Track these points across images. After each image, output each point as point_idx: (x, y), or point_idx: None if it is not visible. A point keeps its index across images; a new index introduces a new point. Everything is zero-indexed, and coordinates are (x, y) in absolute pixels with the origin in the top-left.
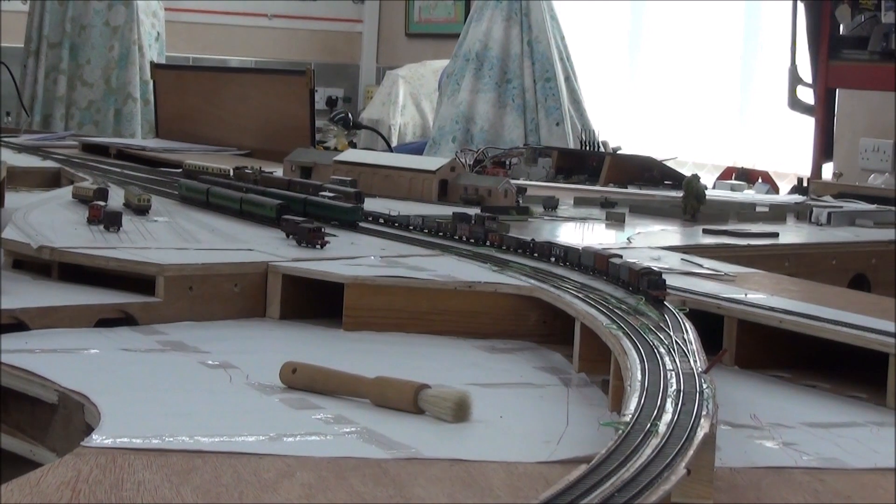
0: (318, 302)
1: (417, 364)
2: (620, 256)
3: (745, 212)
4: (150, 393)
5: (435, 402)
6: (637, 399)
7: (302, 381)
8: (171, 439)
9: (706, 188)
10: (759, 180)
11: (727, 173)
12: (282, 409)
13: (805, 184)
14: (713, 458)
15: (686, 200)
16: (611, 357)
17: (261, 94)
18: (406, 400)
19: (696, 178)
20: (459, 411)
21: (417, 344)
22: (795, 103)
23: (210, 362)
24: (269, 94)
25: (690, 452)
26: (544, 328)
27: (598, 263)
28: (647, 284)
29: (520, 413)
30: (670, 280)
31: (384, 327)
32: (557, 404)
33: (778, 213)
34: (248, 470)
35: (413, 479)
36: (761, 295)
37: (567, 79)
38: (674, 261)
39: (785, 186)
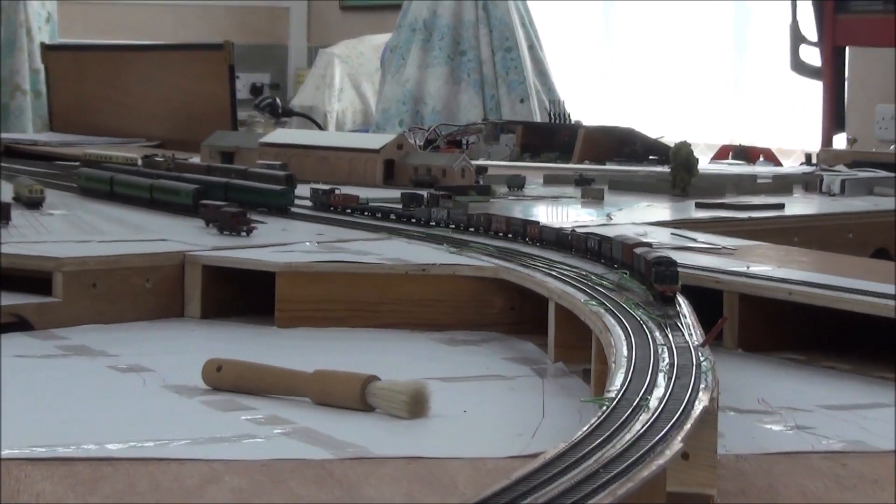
0: (245, 297)
1: (365, 361)
2: (650, 245)
3: (745, 184)
4: (49, 400)
5: (386, 396)
6: (623, 375)
7: (229, 381)
8: (75, 448)
9: (698, 161)
10: (761, 158)
11: (723, 152)
12: (205, 411)
13: (814, 160)
14: (715, 438)
15: (675, 172)
16: (592, 339)
17: (171, 74)
18: (352, 395)
19: (685, 144)
20: (415, 405)
21: (364, 339)
22: (799, 66)
23: (120, 366)
24: (181, 74)
25: (687, 426)
26: (512, 315)
27: (625, 256)
28: (655, 276)
29: (487, 406)
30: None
31: (325, 322)
32: (531, 396)
33: (783, 185)
34: (167, 477)
35: (363, 479)
36: (766, 267)
37: (531, 47)
38: (663, 236)
39: (791, 165)
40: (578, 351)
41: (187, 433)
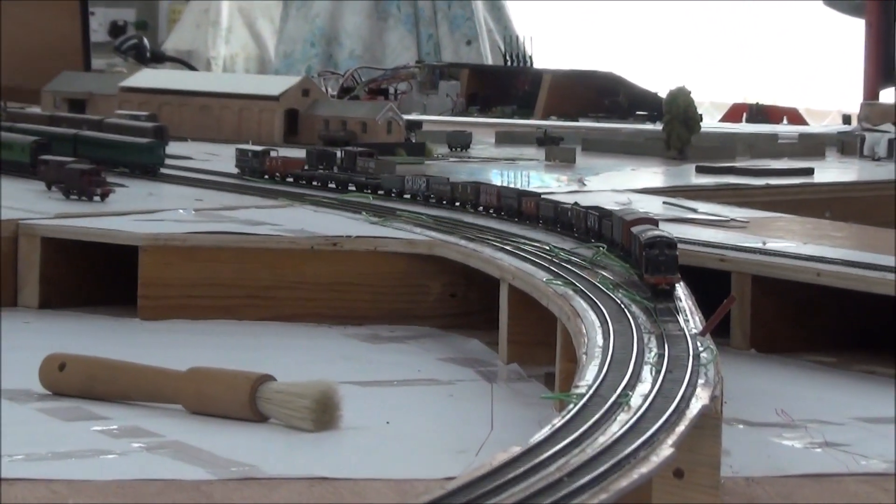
0: (100, 281)
1: (257, 359)
2: (654, 223)
3: (761, 144)
4: None
5: (284, 401)
6: (597, 368)
7: (75, 383)
8: None
9: (701, 115)
10: (784, 120)
11: (735, 113)
12: (43, 420)
13: (854, 122)
14: (718, 452)
15: (669, 127)
16: (557, 330)
17: (6, 13)
18: (238, 400)
19: (682, 92)
20: (322, 412)
21: (257, 334)
22: None
23: None
24: (18, 10)
25: (680, 428)
26: (453, 303)
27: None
28: (646, 264)
29: (417, 417)
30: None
31: (204, 312)
32: (476, 404)
33: (812, 146)
34: None
35: None
36: (788, 243)
37: None
38: (652, 206)
39: (823, 126)
40: (539, 348)
41: (21, 447)
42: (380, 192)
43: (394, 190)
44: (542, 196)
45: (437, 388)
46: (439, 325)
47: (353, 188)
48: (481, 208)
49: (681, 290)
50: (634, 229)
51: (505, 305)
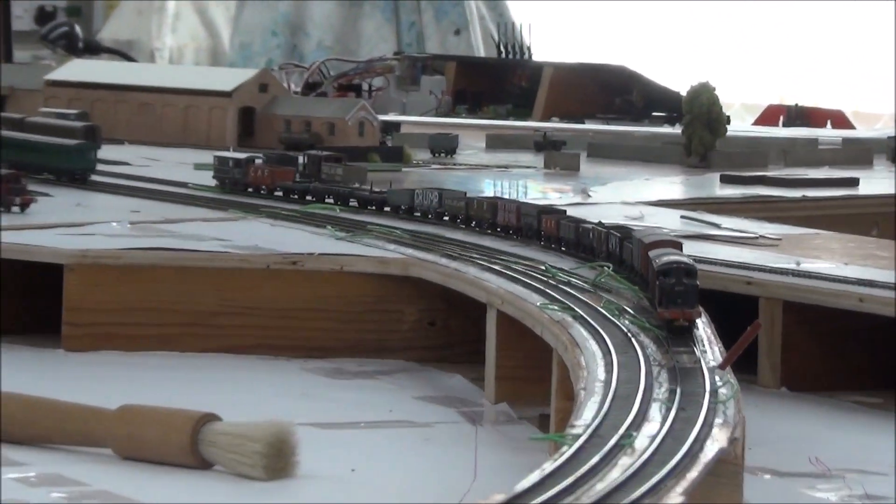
0: (18, 306)
1: (201, 398)
2: (678, 246)
3: (798, 150)
4: None
5: (231, 445)
6: (597, 405)
7: None
8: None
9: (728, 117)
10: (829, 124)
11: (770, 115)
12: None
13: None
14: (740, 501)
15: (690, 130)
16: (552, 363)
17: None
18: (177, 443)
19: (705, 88)
20: (275, 458)
21: (200, 368)
22: None
23: None
24: None
25: (693, 475)
26: (432, 333)
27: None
28: (660, 294)
29: (388, 464)
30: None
31: (139, 342)
32: (458, 450)
33: (857, 153)
34: None
35: None
36: (826, 264)
37: None
38: (669, 221)
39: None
40: (532, 385)
41: None
42: (386, 208)
43: (402, 207)
44: (564, 214)
45: (412, 432)
46: (415, 357)
47: (355, 203)
48: (499, 229)
49: (699, 319)
50: (652, 253)
51: (492, 335)
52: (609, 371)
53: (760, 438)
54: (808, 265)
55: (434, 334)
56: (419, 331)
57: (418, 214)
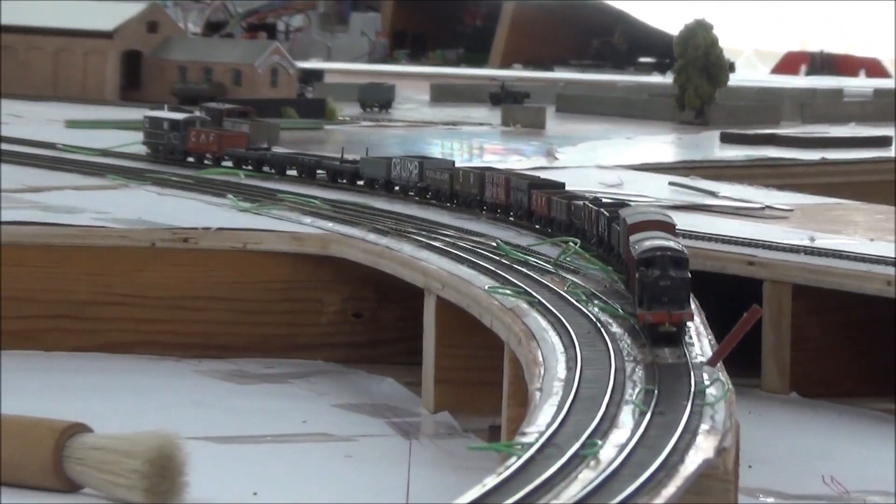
0: None
1: (69, 406)
2: (669, 228)
3: (819, 103)
4: None
5: (105, 462)
6: (555, 408)
7: None
8: None
9: (732, 63)
10: (862, 73)
11: (789, 63)
12: None
13: None
14: None
15: (684, 79)
16: (504, 361)
17: None
18: (39, 459)
19: (701, 26)
20: (159, 478)
21: (69, 370)
22: None
23: None
24: None
25: (670, 490)
26: (358, 327)
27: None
28: (640, 291)
29: (300, 487)
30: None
31: None
32: (387, 469)
33: (891, 106)
34: None
35: None
36: (847, 240)
37: None
38: (655, 187)
39: None
40: (480, 389)
41: None
42: (360, 181)
43: (378, 180)
44: (558, 190)
45: (331, 447)
46: (337, 357)
47: (325, 175)
48: (486, 209)
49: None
50: (633, 238)
51: (431, 327)
52: (571, 368)
53: (763, 453)
54: (825, 241)
55: (360, 328)
56: (342, 324)
57: (397, 189)
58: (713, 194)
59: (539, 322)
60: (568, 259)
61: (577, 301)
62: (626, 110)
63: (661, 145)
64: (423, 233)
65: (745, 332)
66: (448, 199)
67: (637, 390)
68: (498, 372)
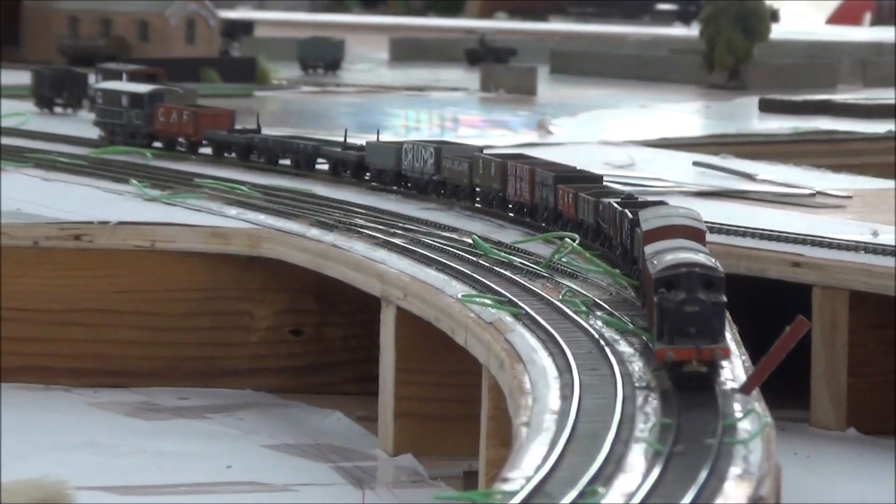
0: None
1: None
2: (697, 234)
3: (884, 63)
4: None
5: None
6: (546, 447)
7: None
8: None
9: (775, 11)
10: None
11: (849, 11)
12: None
13: None
14: None
15: (713, 31)
16: (482, 388)
17: None
18: None
19: None
20: None
21: None
22: None
23: None
24: None
25: None
26: (297, 348)
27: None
28: (660, 320)
29: None
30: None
31: None
32: None
33: None
34: None
35: None
36: None
37: None
38: (677, 169)
39: None
40: (452, 425)
41: None
42: (367, 176)
43: (386, 171)
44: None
45: (263, 500)
46: (270, 385)
47: (327, 165)
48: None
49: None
50: (649, 249)
51: (390, 347)
52: (567, 397)
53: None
54: (892, 236)
55: (300, 348)
56: (276, 343)
57: (409, 185)
58: (750, 177)
59: (526, 339)
60: (563, 259)
61: (574, 312)
62: (639, 71)
63: (684, 115)
64: (380, 227)
65: (787, 352)
66: (468, 197)
67: (650, 424)
68: (474, 403)
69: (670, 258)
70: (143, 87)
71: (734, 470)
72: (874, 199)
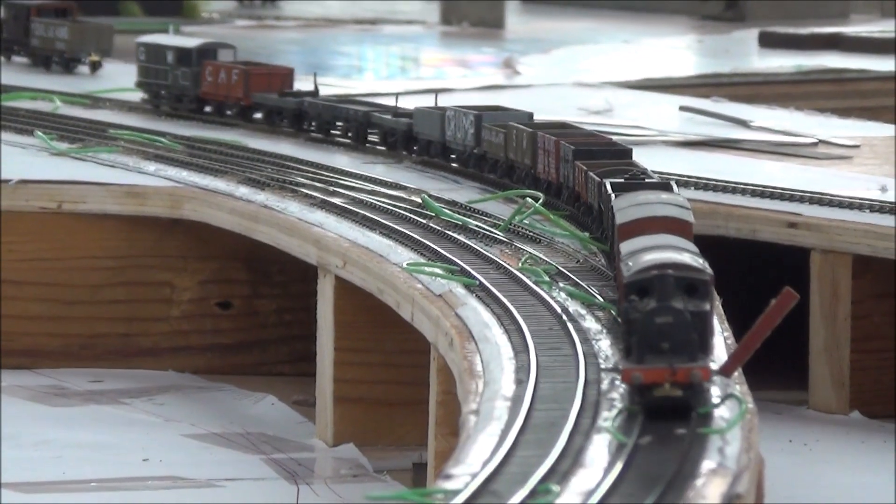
0: None
1: None
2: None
3: None
4: None
5: None
6: (496, 437)
7: None
8: None
9: None
10: None
11: None
12: None
13: None
14: None
15: None
16: (431, 370)
17: None
18: None
19: None
20: None
21: None
22: None
23: None
24: None
25: None
26: (225, 323)
27: None
28: (630, 336)
29: None
30: (652, 160)
31: None
32: None
33: None
34: None
35: None
36: None
37: None
38: (661, 115)
39: None
40: (398, 411)
41: None
42: (415, 148)
43: (434, 142)
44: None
45: (185, 496)
46: (194, 366)
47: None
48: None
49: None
50: (624, 247)
51: (329, 322)
52: (522, 381)
53: (808, 500)
54: None
55: (228, 324)
56: (201, 318)
57: (453, 157)
58: (744, 124)
59: (480, 314)
60: (525, 222)
61: (535, 283)
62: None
63: (673, 52)
64: (319, 184)
65: (773, 328)
66: (506, 174)
67: (615, 413)
68: (424, 386)
69: (646, 259)
70: (190, 41)
71: (707, 464)
72: (885, 148)
